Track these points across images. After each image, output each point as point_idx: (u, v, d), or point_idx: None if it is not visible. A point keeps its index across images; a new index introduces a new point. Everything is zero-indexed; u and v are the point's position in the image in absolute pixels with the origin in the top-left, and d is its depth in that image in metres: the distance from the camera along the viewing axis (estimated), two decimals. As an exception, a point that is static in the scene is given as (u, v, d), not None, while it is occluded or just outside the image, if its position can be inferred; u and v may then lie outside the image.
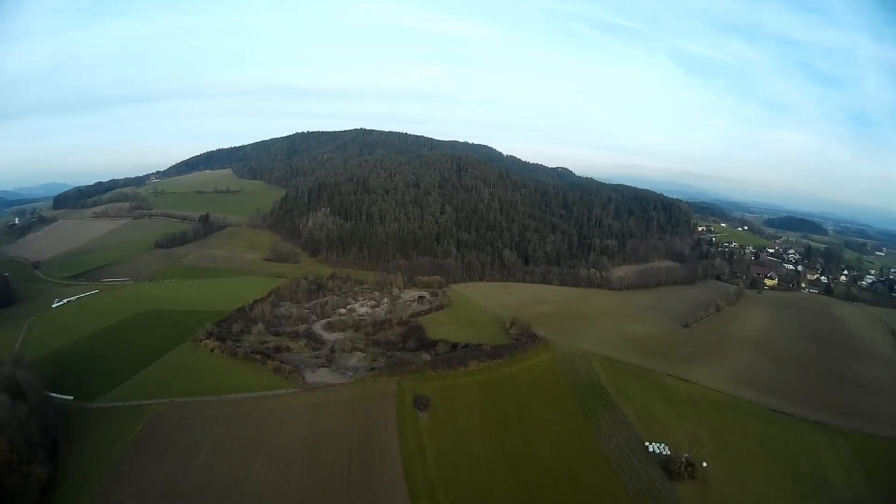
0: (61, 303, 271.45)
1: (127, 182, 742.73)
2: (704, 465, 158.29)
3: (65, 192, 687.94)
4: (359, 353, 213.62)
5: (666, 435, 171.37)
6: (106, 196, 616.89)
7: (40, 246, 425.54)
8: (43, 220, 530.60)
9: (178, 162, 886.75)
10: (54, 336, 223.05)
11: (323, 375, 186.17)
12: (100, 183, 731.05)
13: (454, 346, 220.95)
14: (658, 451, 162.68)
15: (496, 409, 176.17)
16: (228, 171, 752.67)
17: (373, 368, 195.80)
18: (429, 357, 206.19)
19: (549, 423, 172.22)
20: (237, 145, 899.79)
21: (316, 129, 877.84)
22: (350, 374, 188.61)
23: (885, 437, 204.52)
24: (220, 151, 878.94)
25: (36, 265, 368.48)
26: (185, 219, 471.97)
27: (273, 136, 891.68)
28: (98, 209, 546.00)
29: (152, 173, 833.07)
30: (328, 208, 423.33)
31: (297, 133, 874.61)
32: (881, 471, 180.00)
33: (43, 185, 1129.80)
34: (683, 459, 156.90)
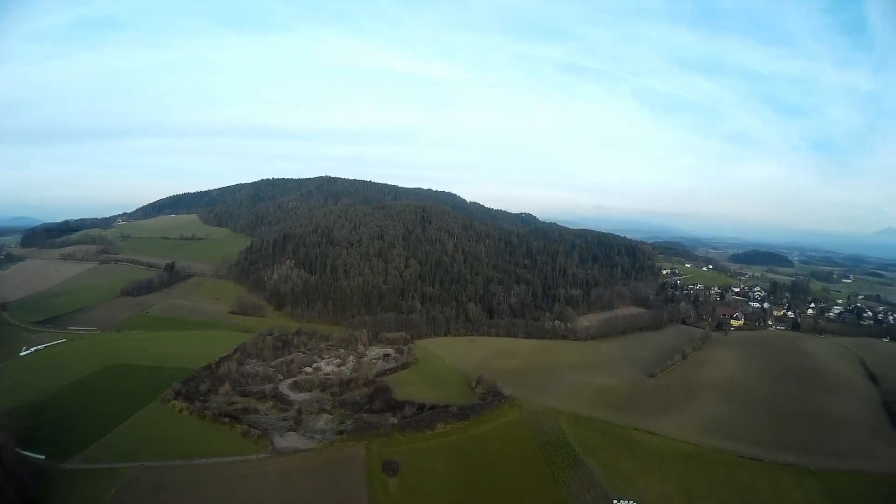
0: (29, 351, 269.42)
1: (94, 223, 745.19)
2: None
3: (33, 230, 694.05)
4: (326, 415, 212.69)
5: (634, 491, 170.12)
6: (73, 237, 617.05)
7: (9, 285, 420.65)
8: (11, 259, 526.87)
9: (145, 204, 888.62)
10: (24, 387, 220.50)
11: (292, 439, 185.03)
12: (67, 221, 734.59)
13: (421, 408, 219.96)
14: None
15: (465, 472, 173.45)
16: (194, 216, 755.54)
17: (341, 432, 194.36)
18: (396, 420, 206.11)
19: (518, 484, 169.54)
20: (203, 189, 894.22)
21: (282, 176, 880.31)
22: (318, 437, 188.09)
23: (855, 471, 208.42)
24: (187, 196, 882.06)
25: (4, 307, 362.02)
26: (150, 266, 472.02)
27: (239, 182, 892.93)
28: (65, 251, 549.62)
29: (119, 215, 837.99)
30: (293, 260, 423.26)
31: (263, 179, 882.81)
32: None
33: (13, 218, 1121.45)
34: None
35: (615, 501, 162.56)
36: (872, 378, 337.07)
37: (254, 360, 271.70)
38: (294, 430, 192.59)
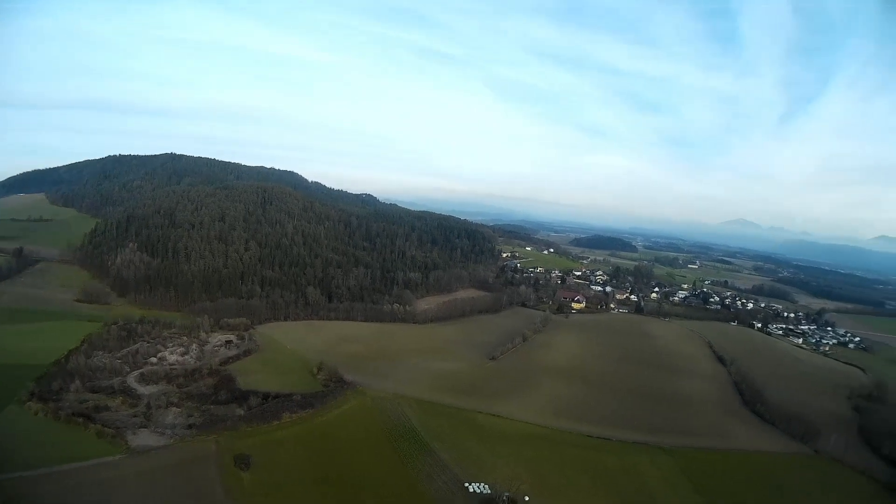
0: None
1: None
2: (527, 499, 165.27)
3: None
4: (174, 409, 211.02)
5: (485, 474, 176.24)
6: None
7: None
8: None
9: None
10: None
11: (144, 437, 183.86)
12: None
13: (265, 397, 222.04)
14: (479, 490, 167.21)
15: (315, 463, 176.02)
16: (43, 196, 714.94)
17: (190, 426, 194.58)
18: (242, 411, 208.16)
19: (370, 472, 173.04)
20: (52, 166, 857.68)
21: (128, 153, 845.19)
22: (169, 433, 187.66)
23: (709, 448, 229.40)
24: (35, 173, 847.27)
25: None
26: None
27: (87, 158, 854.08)
28: None
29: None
30: (136, 243, 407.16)
31: (110, 156, 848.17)
32: (709, 482, 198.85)
33: None
34: (505, 498, 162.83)
35: (467, 485, 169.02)
36: (721, 360, 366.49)
37: (100, 352, 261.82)
38: (145, 427, 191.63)
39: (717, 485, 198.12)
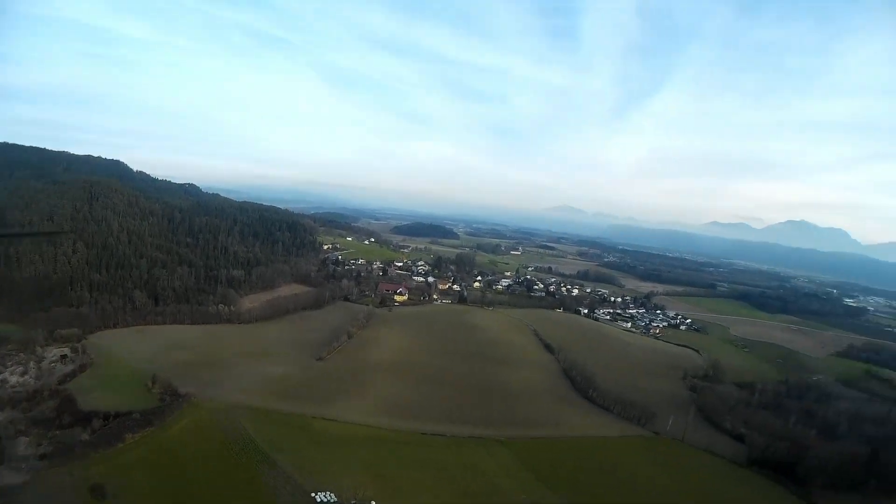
0: None
1: None
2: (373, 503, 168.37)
3: None
4: (23, 438, 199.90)
5: (329, 481, 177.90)
6: None
7: None
8: None
9: None
10: None
11: (2, 475, 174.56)
12: None
13: (106, 418, 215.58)
14: (325, 500, 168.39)
15: (166, 486, 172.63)
16: None
17: (42, 456, 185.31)
18: (87, 435, 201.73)
19: (219, 492, 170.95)
20: None
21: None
22: (24, 466, 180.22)
23: (545, 437, 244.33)
24: None
25: None
26: None
27: None
28: None
29: None
30: None
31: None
32: (550, 469, 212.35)
33: None
34: None
35: (314, 495, 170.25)
36: (549, 348, 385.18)
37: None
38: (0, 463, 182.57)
39: (558, 473, 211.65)
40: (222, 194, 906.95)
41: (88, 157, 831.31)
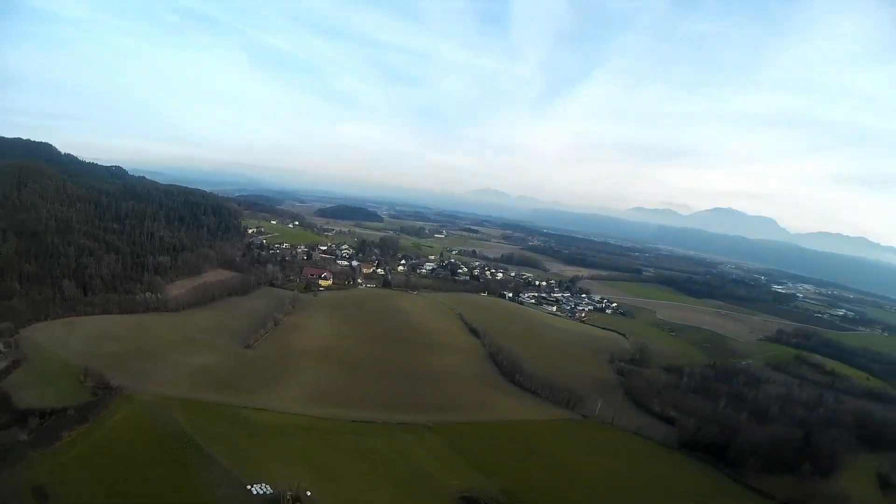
0: None
1: None
2: (309, 494, 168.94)
3: None
4: None
5: (264, 473, 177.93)
6: None
7: None
8: None
9: None
10: None
11: None
12: None
13: (42, 415, 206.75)
14: (262, 492, 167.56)
15: (106, 485, 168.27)
16: None
17: None
18: (25, 435, 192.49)
19: (157, 489, 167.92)
20: None
21: None
22: None
23: (474, 421, 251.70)
24: None
25: None
26: None
27: None
28: None
29: None
30: None
31: None
32: (481, 454, 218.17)
33: None
34: (289, 496, 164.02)
35: (249, 487, 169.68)
36: (474, 332, 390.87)
37: None
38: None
39: (490, 458, 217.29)
40: (148, 177, 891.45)
41: (17, 140, 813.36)
